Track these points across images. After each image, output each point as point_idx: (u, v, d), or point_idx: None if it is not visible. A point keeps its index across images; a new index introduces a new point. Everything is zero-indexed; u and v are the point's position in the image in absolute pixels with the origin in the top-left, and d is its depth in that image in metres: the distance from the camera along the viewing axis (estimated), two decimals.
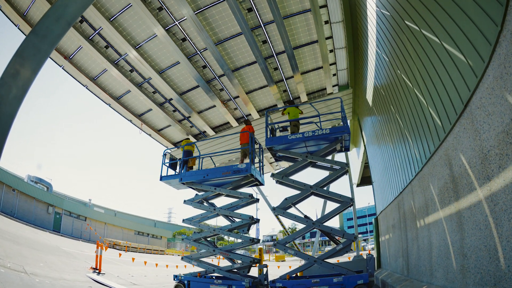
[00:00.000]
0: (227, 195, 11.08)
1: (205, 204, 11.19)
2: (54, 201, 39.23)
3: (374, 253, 20.54)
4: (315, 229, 10.05)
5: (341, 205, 9.72)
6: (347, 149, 10.78)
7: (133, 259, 18.19)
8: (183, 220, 11.33)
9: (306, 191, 10.01)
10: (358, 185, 29.75)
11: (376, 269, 14.10)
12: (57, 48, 13.74)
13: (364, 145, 18.94)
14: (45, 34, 2.72)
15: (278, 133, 11.87)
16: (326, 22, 12.72)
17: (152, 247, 45.45)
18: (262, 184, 11.50)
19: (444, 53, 4.82)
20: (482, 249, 4.03)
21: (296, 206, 10.50)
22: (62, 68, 14.59)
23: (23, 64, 2.45)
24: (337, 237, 10.51)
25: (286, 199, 10.13)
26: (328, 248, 68.48)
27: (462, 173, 4.59)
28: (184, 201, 11.49)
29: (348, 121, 21.42)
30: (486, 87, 3.72)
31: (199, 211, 11.29)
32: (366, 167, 23.64)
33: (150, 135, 19.51)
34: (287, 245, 10.38)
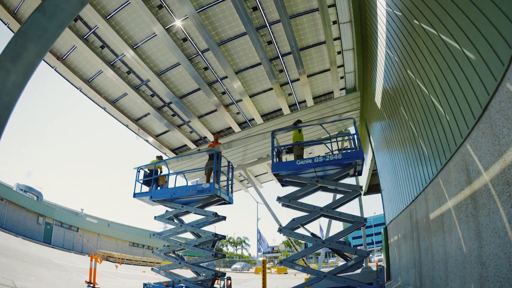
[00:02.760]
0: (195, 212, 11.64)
1: (174, 220, 11.78)
2: (44, 211, 39.14)
3: (381, 264, 20.52)
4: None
5: (353, 225, 9.70)
6: (359, 174, 10.64)
7: (129, 272, 18.19)
8: (155, 217, 11.98)
9: (316, 213, 9.92)
10: (365, 194, 29.68)
11: (385, 281, 14.13)
12: None
13: (372, 151, 18.97)
14: (54, 12, 2.45)
15: (284, 155, 11.78)
16: (334, 22, 12.83)
17: (148, 259, 45.20)
18: (230, 203, 11.96)
19: (462, 56, 4.92)
20: (501, 257, 4.10)
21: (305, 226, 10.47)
22: (55, 69, 14.63)
23: (26, 46, 2.16)
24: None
25: (293, 219, 9.95)
26: (332, 260, 68.50)
27: (480, 179, 4.68)
28: (155, 217, 12.05)
29: (356, 126, 21.49)
30: (506, 90, 3.81)
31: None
32: (373, 174, 23.66)
33: (147, 140, 19.54)
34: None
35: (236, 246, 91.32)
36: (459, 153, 5.49)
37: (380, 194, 18.73)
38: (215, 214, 10.88)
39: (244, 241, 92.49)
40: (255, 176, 25.47)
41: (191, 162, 20.01)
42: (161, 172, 12.98)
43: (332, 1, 12.04)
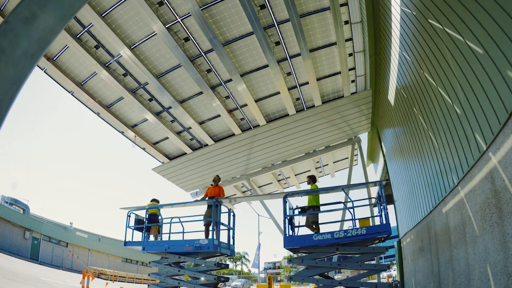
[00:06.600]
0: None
1: (171, 265, 11.56)
2: (31, 225, 39.04)
3: (395, 280, 20.47)
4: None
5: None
6: (384, 240, 10.16)
7: None
8: (151, 262, 11.98)
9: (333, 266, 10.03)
10: (374, 206, 29.38)
11: None
12: None
13: (384, 160, 18.99)
14: None
15: (295, 212, 11.32)
16: (346, 23, 12.96)
17: (143, 276, 45.04)
18: (232, 256, 11.90)
19: (486, 58, 5.06)
20: None
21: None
22: (44, 71, 14.44)
23: (45, 6, 1.64)
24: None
25: (307, 268, 9.81)
26: (338, 276, 68.32)
27: (506, 186, 4.79)
28: (150, 262, 12.06)
29: (366, 134, 21.52)
30: None
31: None
32: (385, 185, 23.56)
33: (144, 149, 19.42)
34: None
35: (235, 262, 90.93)
36: (483, 160, 5.60)
37: (392, 205, 18.71)
38: (217, 264, 10.90)
39: (243, 257, 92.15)
40: (259, 187, 25.43)
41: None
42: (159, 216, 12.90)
43: (344, 0, 12.18)
